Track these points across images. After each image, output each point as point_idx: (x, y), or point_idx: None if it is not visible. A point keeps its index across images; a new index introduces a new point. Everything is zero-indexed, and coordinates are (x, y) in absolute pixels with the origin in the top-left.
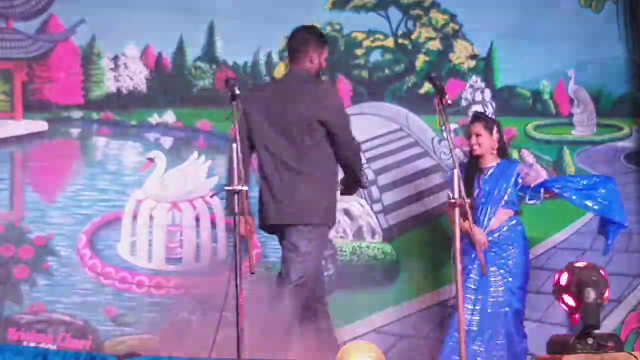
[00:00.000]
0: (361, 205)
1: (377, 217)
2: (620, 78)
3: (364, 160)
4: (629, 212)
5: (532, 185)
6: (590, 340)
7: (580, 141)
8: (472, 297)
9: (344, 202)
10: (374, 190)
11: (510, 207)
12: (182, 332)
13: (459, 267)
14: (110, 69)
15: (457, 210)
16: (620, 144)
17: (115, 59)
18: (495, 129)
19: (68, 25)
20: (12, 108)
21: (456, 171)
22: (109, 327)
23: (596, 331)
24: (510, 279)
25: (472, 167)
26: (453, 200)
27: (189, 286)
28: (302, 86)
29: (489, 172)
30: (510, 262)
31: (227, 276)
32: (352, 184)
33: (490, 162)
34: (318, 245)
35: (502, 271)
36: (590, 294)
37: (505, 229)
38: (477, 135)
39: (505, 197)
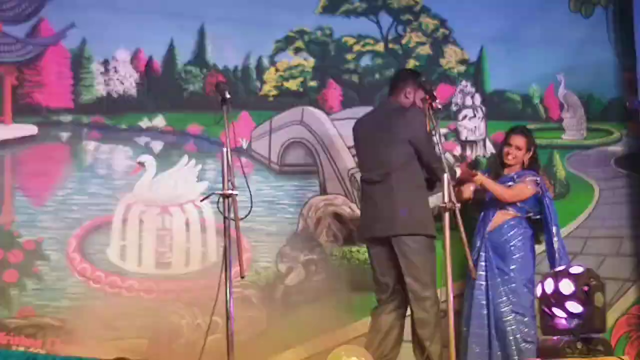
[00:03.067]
0: (352, 209)
1: None
2: (610, 83)
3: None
4: (619, 217)
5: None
6: (579, 345)
7: (570, 145)
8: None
9: (334, 206)
10: None
11: (510, 210)
12: (171, 337)
13: (449, 271)
14: (101, 73)
15: (446, 215)
16: (610, 148)
17: (106, 63)
18: (533, 148)
19: (58, 29)
20: (1, 112)
21: (446, 176)
22: (98, 332)
23: (583, 335)
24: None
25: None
26: (444, 205)
27: (179, 290)
28: (394, 112)
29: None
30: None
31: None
32: (432, 183)
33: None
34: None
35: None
36: (600, 299)
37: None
38: (518, 148)
39: None
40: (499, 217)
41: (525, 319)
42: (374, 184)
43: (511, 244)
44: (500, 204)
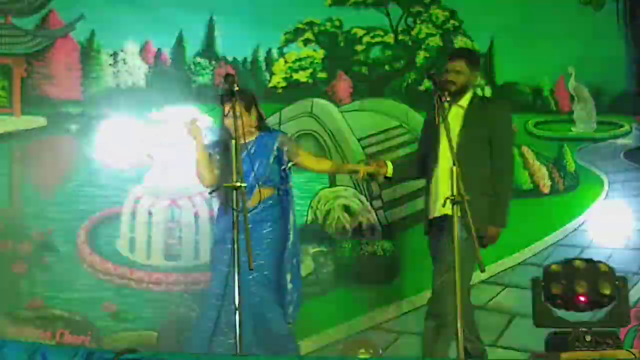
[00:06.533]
0: (361, 201)
1: (377, 214)
2: (620, 75)
3: None
4: (628, 210)
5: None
6: (588, 338)
7: (580, 138)
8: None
9: (343, 198)
10: (374, 187)
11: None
12: (181, 329)
13: (457, 262)
14: (110, 64)
15: (454, 207)
16: (620, 141)
17: (115, 55)
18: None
19: (67, 21)
20: (10, 104)
21: (455, 168)
22: (107, 323)
23: (594, 329)
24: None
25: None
26: (452, 197)
27: (188, 282)
28: None
29: (250, 148)
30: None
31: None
32: None
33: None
34: None
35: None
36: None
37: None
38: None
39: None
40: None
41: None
42: None
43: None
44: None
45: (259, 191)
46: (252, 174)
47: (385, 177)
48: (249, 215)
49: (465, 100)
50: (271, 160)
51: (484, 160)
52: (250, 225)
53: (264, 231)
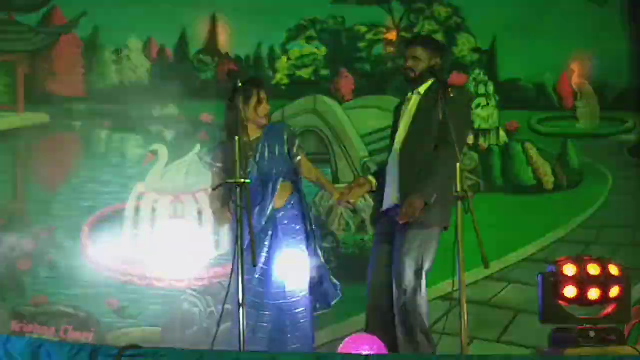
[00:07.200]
0: (364, 198)
1: None
2: (624, 71)
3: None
4: (632, 206)
5: None
6: (592, 334)
7: (583, 134)
8: None
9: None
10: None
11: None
12: (184, 325)
13: (461, 258)
14: (113, 61)
15: (459, 203)
16: (624, 137)
17: (118, 51)
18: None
19: (70, 18)
20: (14, 100)
21: (459, 165)
22: (111, 320)
23: (599, 325)
24: None
25: None
26: (456, 194)
27: (192, 279)
28: None
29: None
30: None
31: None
32: None
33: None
34: None
35: None
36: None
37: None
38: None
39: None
40: None
41: None
42: None
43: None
44: None
45: (284, 186)
46: (274, 169)
47: (372, 191)
48: (280, 214)
49: (423, 88)
50: (285, 150)
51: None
52: (285, 222)
53: (297, 228)
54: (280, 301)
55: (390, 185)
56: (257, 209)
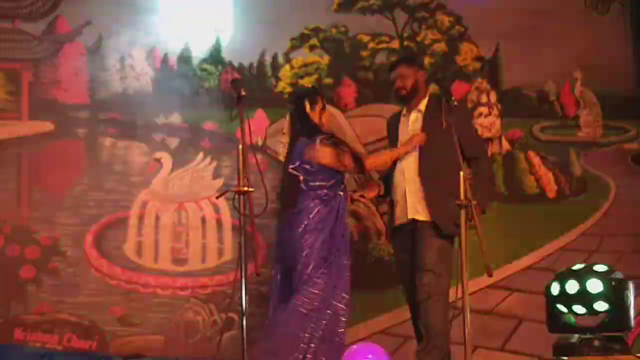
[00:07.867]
0: (367, 206)
1: (383, 219)
2: (627, 79)
3: None
4: (635, 214)
5: None
6: (596, 343)
7: (586, 143)
8: None
9: (349, 204)
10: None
11: None
12: (188, 333)
13: (465, 267)
14: (117, 69)
15: (462, 212)
16: (626, 145)
17: (122, 60)
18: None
19: (74, 26)
20: (18, 109)
21: (462, 173)
22: (115, 328)
23: (603, 334)
24: None
25: None
26: (460, 202)
27: (195, 287)
28: None
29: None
30: None
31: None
32: None
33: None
34: None
35: None
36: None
37: None
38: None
39: None
40: None
41: None
42: None
43: None
44: None
45: None
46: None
47: (380, 196)
48: None
49: (423, 105)
50: None
51: (447, 161)
52: None
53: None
54: None
55: (402, 203)
56: None
